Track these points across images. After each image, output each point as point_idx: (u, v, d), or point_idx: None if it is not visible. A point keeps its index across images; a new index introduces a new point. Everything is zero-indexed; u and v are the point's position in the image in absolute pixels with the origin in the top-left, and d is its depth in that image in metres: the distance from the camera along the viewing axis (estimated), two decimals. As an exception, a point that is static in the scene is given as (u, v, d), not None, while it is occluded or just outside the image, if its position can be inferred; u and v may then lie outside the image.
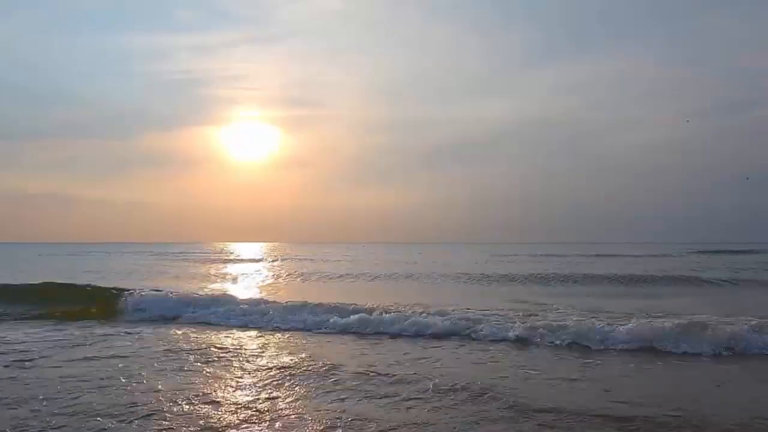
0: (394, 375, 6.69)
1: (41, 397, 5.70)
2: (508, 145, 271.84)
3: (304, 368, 7.09)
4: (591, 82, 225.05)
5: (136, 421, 4.95)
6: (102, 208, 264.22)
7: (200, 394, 5.85)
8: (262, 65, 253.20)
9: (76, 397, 5.69)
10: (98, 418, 5.02)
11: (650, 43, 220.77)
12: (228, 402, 5.61)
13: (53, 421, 4.94)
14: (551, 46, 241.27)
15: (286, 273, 27.81)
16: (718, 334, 8.58)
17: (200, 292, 15.02)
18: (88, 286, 15.63)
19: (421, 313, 10.87)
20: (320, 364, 7.30)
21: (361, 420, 5.00)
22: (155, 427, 4.81)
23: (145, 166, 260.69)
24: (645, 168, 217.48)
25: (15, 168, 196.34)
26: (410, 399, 5.70)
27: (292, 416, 5.13)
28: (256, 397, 5.81)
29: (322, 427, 4.84)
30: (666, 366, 7.54)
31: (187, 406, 5.41)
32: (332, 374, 6.75)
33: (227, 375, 6.79)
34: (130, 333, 10.14)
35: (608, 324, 9.49)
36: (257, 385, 6.32)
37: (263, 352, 8.47)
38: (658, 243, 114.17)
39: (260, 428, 4.85)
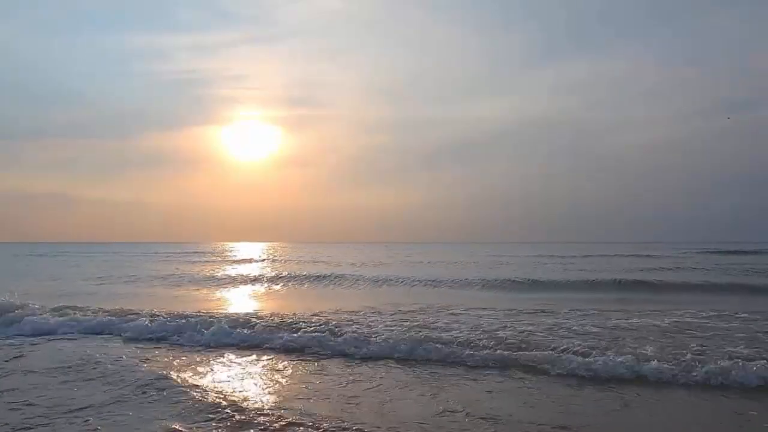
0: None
1: None
2: (508, 145, 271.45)
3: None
4: (591, 82, 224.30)
5: None
6: (102, 207, 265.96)
7: None
8: (262, 65, 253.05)
9: None
10: None
11: (650, 43, 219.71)
12: None
13: None
14: (551, 46, 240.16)
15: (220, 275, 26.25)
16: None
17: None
18: None
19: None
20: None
21: None
22: None
23: (145, 166, 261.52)
24: (645, 168, 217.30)
25: (15, 168, 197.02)
26: None
27: None
28: None
29: None
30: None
31: None
32: None
33: None
34: None
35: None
36: None
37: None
38: (655, 243, 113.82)
39: None
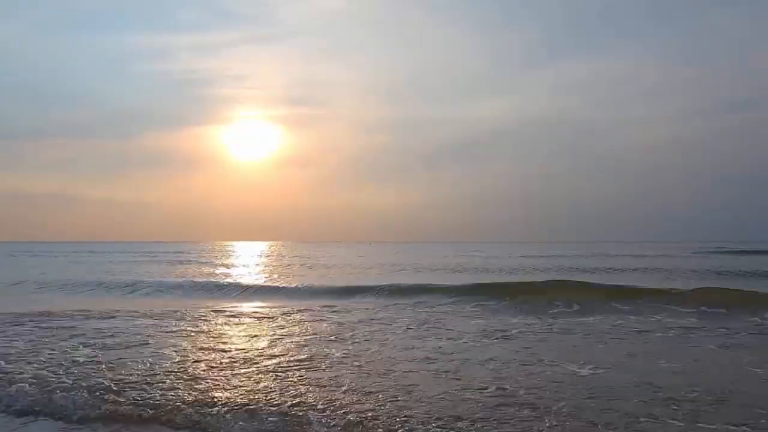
0: None
1: None
2: (508, 145, 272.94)
3: None
4: (591, 82, 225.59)
5: None
6: (103, 207, 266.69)
7: None
8: (262, 65, 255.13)
9: None
10: None
11: (650, 43, 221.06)
12: None
13: None
14: (551, 46, 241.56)
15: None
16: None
17: None
18: None
19: None
20: None
21: None
22: None
23: (145, 166, 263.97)
24: (645, 168, 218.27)
25: (15, 168, 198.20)
26: None
27: None
28: None
29: None
30: None
31: None
32: None
33: None
34: None
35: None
36: None
37: None
38: (653, 242, 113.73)
39: None
